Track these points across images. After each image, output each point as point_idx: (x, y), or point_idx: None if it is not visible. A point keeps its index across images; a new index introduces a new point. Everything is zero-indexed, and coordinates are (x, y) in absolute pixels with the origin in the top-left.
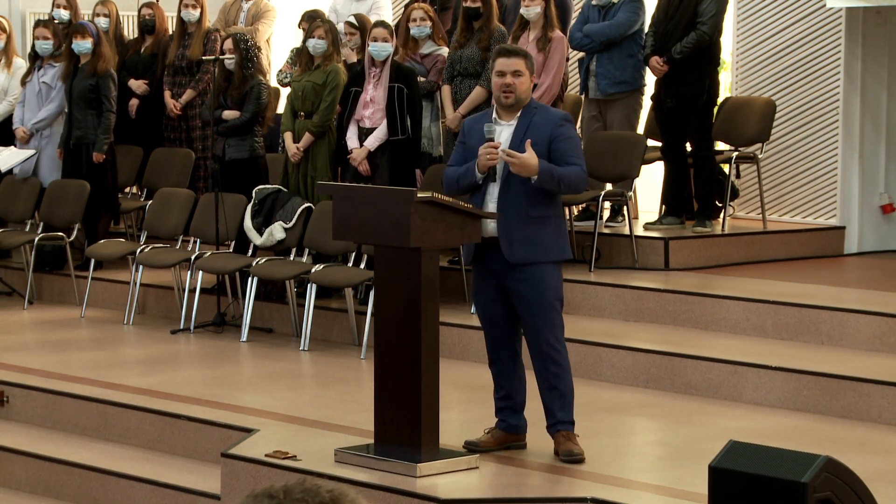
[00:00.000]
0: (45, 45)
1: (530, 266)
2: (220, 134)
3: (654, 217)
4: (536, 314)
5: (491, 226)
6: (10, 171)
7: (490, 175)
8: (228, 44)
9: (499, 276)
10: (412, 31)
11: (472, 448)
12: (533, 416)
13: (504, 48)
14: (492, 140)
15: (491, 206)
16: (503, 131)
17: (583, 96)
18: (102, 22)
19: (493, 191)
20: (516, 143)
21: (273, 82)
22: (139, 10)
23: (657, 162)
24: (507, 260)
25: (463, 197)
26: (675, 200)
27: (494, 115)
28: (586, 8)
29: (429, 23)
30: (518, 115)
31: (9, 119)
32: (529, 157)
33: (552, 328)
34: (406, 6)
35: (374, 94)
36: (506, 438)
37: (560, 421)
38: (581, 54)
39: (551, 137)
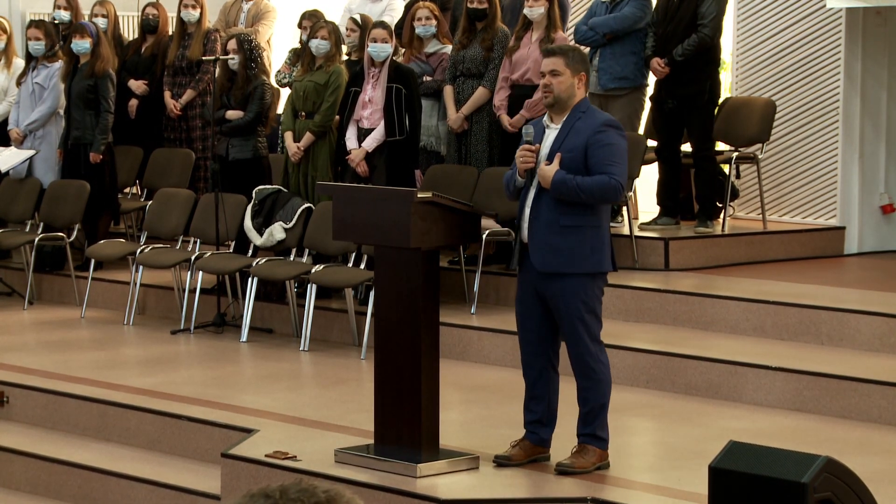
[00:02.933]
0: (38, 46)
1: (560, 276)
2: (222, 134)
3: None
4: (564, 326)
5: (526, 231)
6: (8, 172)
7: (529, 179)
8: (232, 44)
9: (533, 282)
10: (418, 31)
11: (502, 463)
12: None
13: (544, 48)
14: (529, 143)
15: (528, 211)
16: (549, 135)
17: None
18: (100, 22)
19: (530, 196)
20: (556, 148)
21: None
22: (143, 10)
23: (657, 163)
24: (536, 268)
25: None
26: (669, 201)
27: (546, 118)
28: (595, 4)
29: (434, 21)
30: (565, 118)
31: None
32: (548, 167)
33: (581, 342)
34: (409, 5)
35: (372, 95)
36: (534, 451)
37: (581, 434)
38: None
39: (588, 143)
